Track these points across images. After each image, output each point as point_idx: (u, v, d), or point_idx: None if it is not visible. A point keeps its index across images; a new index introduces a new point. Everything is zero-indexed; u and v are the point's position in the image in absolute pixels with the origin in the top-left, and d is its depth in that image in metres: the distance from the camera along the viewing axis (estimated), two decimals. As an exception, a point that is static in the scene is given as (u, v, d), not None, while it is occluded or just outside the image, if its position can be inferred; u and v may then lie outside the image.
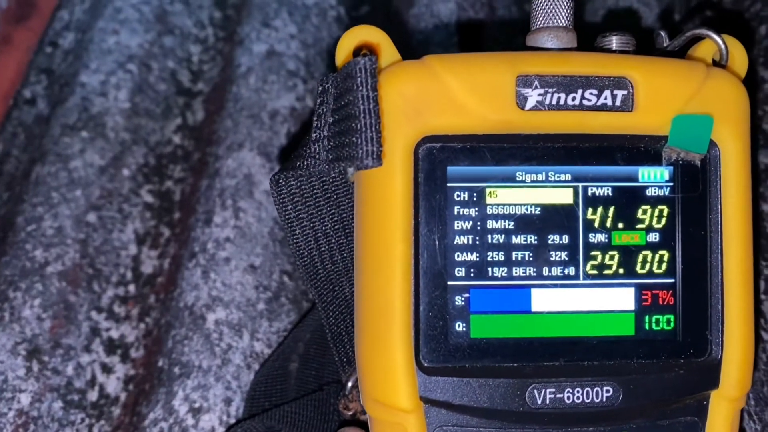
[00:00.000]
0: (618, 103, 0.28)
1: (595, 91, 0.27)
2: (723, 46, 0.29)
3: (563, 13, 0.29)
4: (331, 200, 0.31)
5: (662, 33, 0.31)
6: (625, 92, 0.27)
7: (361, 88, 0.26)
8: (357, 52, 0.28)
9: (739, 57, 0.30)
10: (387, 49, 0.29)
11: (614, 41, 0.30)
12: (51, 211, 0.46)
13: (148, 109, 0.51)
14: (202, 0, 0.57)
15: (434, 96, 0.27)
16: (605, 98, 0.27)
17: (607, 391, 0.27)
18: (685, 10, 0.43)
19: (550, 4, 0.29)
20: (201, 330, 0.41)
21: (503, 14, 0.52)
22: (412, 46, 0.51)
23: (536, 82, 0.27)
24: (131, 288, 0.45)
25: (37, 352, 0.41)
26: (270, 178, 0.31)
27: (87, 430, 0.41)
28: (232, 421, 0.38)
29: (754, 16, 0.50)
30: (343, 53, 0.29)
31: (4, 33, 0.55)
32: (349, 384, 0.34)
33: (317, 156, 0.29)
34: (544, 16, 0.30)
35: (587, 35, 0.32)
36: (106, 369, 0.43)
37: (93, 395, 0.42)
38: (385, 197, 0.27)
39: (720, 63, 0.30)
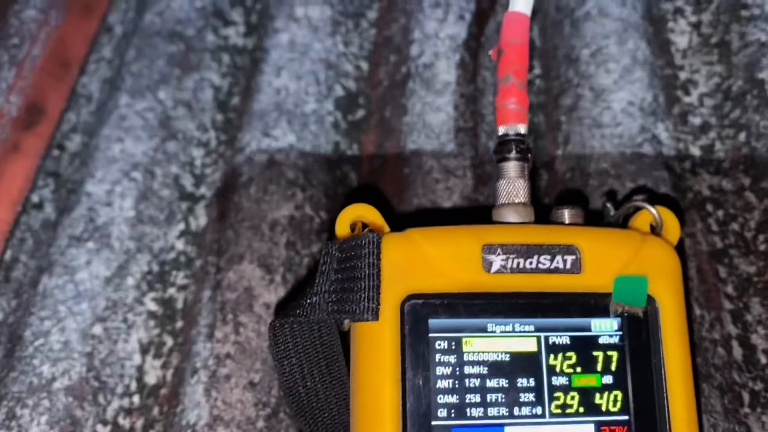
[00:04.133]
0: (568, 266, 0.32)
1: (548, 257, 0.32)
2: (657, 216, 0.35)
3: (521, 192, 0.35)
4: (324, 344, 0.35)
5: (608, 204, 0.37)
6: (573, 257, 0.32)
7: (368, 256, 0.31)
8: (353, 224, 0.34)
9: (672, 225, 0.35)
10: (377, 223, 0.34)
11: (566, 214, 0.35)
12: (58, 325, 0.47)
13: (152, 216, 0.53)
14: (204, 103, 0.59)
15: (417, 262, 0.32)
16: (557, 262, 0.32)
17: None
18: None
19: (511, 185, 0.35)
20: (203, 449, 0.42)
21: (491, 121, 0.54)
22: (404, 155, 0.53)
23: (499, 250, 0.32)
24: (135, 399, 0.46)
25: (44, 470, 0.43)
26: (269, 324, 0.35)
27: None
28: None
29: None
30: (342, 225, 0.34)
31: (14, 140, 0.57)
32: None
33: (318, 306, 0.33)
34: (506, 195, 0.35)
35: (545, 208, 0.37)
36: (111, 483, 0.44)
37: None
38: (377, 346, 0.31)
39: (656, 230, 0.35)
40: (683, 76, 0.56)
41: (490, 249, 0.32)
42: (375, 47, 0.62)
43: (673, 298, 0.33)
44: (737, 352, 0.44)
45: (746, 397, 0.43)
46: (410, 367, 0.31)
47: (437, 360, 0.31)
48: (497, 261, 0.32)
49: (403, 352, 0.31)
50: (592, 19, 0.56)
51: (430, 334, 0.31)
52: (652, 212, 0.35)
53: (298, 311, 0.33)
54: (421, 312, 0.31)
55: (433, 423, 0.31)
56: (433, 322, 0.31)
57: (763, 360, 0.44)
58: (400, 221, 0.34)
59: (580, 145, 0.51)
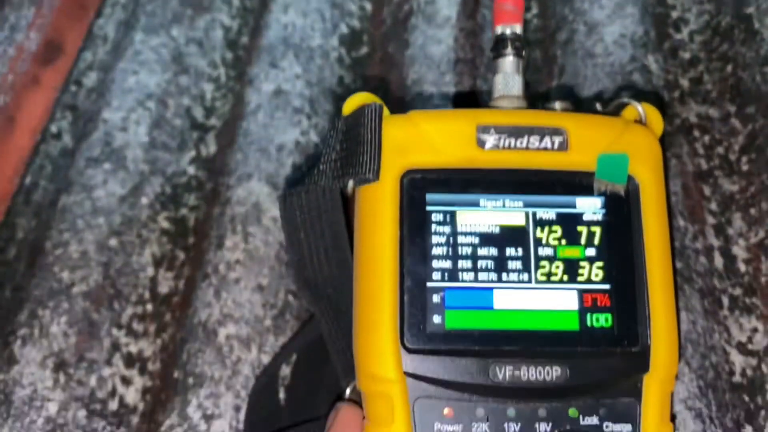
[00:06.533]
0: (556, 145, 0.34)
1: (538, 137, 0.34)
2: (641, 111, 0.37)
3: (517, 86, 0.38)
4: (328, 214, 0.37)
5: (597, 103, 0.39)
6: (561, 137, 0.35)
7: (370, 123, 0.34)
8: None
9: (655, 120, 0.37)
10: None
11: (557, 105, 0.37)
12: (76, 237, 0.50)
13: (164, 143, 0.56)
14: (215, 42, 0.62)
15: (416, 139, 0.34)
16: (546, 142, 0.34)
17: (556, 371, 0.32)
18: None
19: (507, 79, 0.38)
20: (213, 344, 0.45)
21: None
22: (406, 85, 0.55)
23: (492, 129, 0.34)
24: (149, 307, 0.49)
25: (64, 365, 0.45)
26: (279, 196, 0.37)
27: (108, 437, 0.44)
28: (241, 426, 0.42)
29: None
30: (349, 108, 0.36)
31: (34, 73, 0.60)
32: (348, 390, 0.38)
33: (324, 173, 0.35)
34: (502, 87, 0.38)
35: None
36: (126, 381, 0.46)
37: (114, 405, 0.45)
38: (379, 215, 0.34)
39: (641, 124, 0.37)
40: (674, 14, 0.58)
41: (484, 129, 0.34)
42: (379, -10, 0.64)
43: (652, 178, 0.35)
44: (718, 261, 0.47)
45: (725, 300, 0.45)
46: (408, 234, 0.33)
47: (433, 230, 0.34)
48: (491, 139, 0.34)
49: (402, 220, 0.33)
50: (587, -41, 0.58)
51: (427, 207, 0.34)
52: (637, 108, 0.37)
53: (306, 180, 0.36)
54: (419, 185, 0.34)
55: (428, 284, 0.33)
56: (430, 196, 0.34)
57: (743, 268, 0.46)
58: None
59: (573, 76, 0.54)
